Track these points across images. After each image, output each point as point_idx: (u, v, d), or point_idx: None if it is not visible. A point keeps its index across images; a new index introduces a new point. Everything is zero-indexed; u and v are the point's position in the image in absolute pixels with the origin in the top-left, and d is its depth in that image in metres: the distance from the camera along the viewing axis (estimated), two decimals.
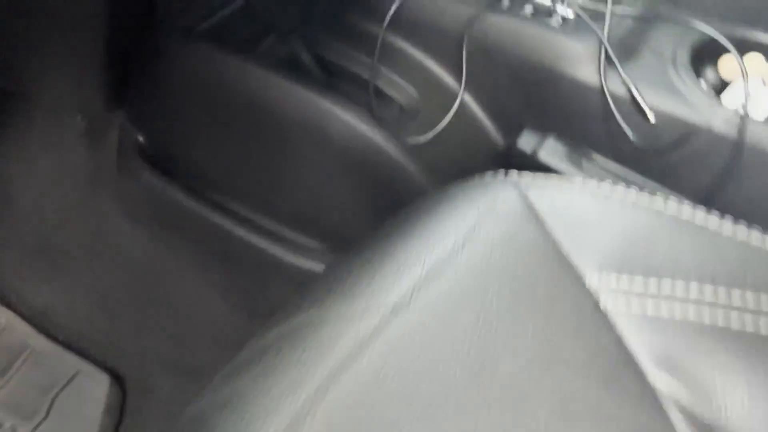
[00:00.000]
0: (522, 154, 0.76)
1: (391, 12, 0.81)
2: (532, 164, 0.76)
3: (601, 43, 0.74)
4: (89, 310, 0.97)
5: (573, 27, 0.78)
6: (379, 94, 0.82)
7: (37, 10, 0.77)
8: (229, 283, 0.90)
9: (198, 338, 0.91)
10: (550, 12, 0.80)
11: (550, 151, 0.75)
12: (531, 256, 0.49)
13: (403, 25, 0.82)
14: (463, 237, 0.49)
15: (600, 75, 0.74)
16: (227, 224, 0.84)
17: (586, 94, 0.75)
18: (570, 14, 0.79)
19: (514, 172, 0.54)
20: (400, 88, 0.82)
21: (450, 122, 0.79)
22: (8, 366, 0.95)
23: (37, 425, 0.90)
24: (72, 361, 0.94)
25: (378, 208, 0.79)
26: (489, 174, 0.54)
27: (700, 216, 0.51)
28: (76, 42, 0.80)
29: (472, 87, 0.81)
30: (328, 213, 0.82)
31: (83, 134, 0.94)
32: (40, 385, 0.93)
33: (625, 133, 0.72)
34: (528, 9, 0.80)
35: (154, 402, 0.91)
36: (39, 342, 0.96)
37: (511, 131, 0.80)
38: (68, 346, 0.96)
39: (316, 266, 0.81)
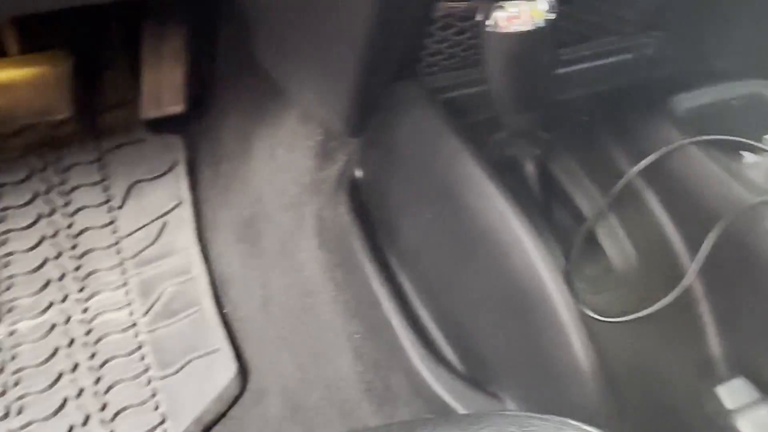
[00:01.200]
0: (717, 404, 0.57)
1: (652, 158, 0.67)
2: (725, 422, 0.56)
3: None
4: (256, 301, 1.00)
5: None
6: (592, 240, 0.69)
7: (313, 27, 0.80)
8: (365, 350, 0.86)
9: (316, 382, 0.89)
10: None
11: (759, 424, 0.54)
12: None
13: (657, 174, 0.67)
14: None
15: None
16: (383, 296, 0.79)
17: None
18: None
19: None
20: (618, 245, 0.67)
21: (658, 312, 0.63)
22: (177, 312, 1.04)
23: (165, 377, 0.97)
24: (220, 336, 0.99)
25: (529, 367, 0.67)
26: None
27: None
28: (337, 65, 0.81)
29: (707, 281, 0.63)
30: (479, 336, 0.72)
31: (318, 147, 0.97)
32: (187, 343, 0.99)
33: None
34: None
35: (254, 417, 0.91)
36: (208, 306, 1.03)
37: (732, 360, 0.61)
38: (225, 321, 1.01)
39: (441, 391, 0.72)
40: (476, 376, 0.74)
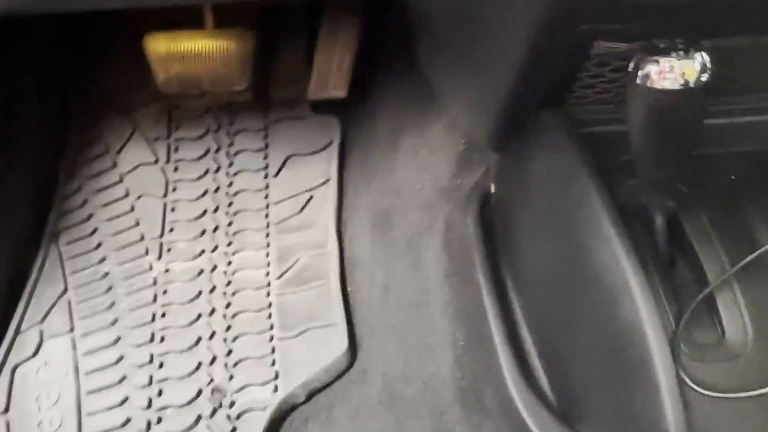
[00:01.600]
0: None
1: None
2: None
3: None
4: (377, 287, 1.06)
5: None
6: (709, 306, 0.66)
7: (471, 46, 0.82)
8: (465, 358, 0.89)
9: (416, 377, 0.93)
10: None
11: None
12: None
13: None
14: None
15: None
16: (491, 312, 0.82)
17: None
18: None
19: None
20: (736, 317, 0.65)
21: (765, 395, 0.60)
22: (306, 281, 1.12)
23: (284, 338, 1.06)
24: (339, 312, 1.06)
25: (619, 419, 0.67)
26: None
27: None
28: (489, 84, 0.83)
29: None
30: (575, 374, 0.73)
31: (459, 155, 1.00)
32: (309, 312, 1.08)
33: None
34: None
35: (355, 394, 0.98)
36: (334, 281, 1.10)
37: None
38: (346, 299, 1.09)
39: (528, 417, 0.74)
40: (565, 410, 0.74)
